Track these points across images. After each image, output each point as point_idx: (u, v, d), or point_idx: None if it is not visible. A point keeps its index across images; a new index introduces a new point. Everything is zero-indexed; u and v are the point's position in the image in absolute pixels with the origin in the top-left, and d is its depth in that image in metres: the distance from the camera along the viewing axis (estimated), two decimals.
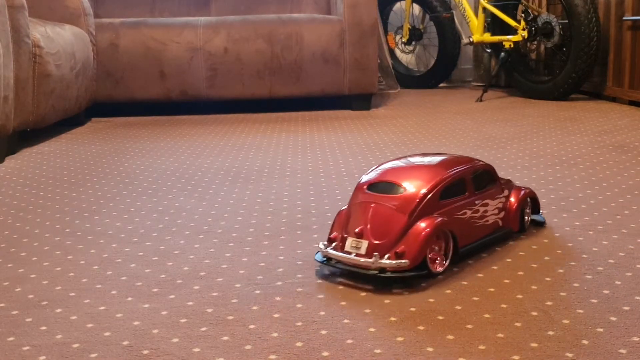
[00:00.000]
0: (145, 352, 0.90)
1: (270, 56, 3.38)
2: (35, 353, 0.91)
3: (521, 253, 1.26)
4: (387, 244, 1.11)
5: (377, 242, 1.12)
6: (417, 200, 1.14)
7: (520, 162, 2.07)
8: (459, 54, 4.45)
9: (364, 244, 1.12)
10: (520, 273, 1.16)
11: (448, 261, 1.16)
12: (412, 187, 1.16)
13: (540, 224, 1.42)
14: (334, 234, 1.18)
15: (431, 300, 1.05)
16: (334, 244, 1.16)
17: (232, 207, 1.64)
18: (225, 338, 0.94)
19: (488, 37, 3.78)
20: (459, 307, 1.02)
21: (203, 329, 0.97)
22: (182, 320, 1.00)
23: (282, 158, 2.24)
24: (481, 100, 3.71)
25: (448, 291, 1.09)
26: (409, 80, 4.58)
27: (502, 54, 3.70)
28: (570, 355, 0.86)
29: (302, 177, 1.94)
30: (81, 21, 3.16)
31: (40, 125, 2.61)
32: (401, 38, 4.54)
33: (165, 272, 1.21)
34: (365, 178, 1.22)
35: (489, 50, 3.96)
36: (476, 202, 1.23)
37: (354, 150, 2.33)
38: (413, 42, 4.55)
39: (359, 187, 1.20)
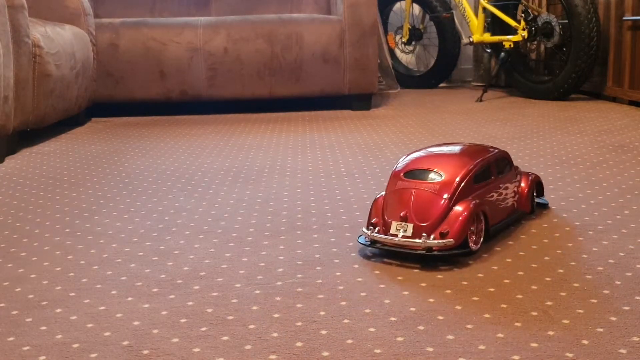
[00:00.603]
0: (145, 352, 0.91)
1: (270, 56, 3.38)
2: (35, 353, 0.91)
3: (521, 253, 1.26)
4: (430, 225, 1.21)
5: (422, 224, 1.21)
6: (455, 185, 1.24)
7: (520, 162, 2.07)
8: (459, 54, 4.45)
9: (410, 226, 1.22)
10: (520, 273, 1.16)
11: (482, 239, 1.25)
12: (449, 173, 1.26)
13: (544, 206, 1.54)
14: (375, 219, 1.26)
15: (431, 300, 1.05)
16: (377, 229, 1.24)
17: (232, 207, 1.64)
18: (225, 338, 0.94)
19: (488, 37, 3.78)
20: (459, 307, 1.02)
21: (203, 329, 0.97)
22: (182, 320, 1.00)
23: (282, 158, 2.24)
24: (481, 100, 3.71)
25: (448, 291, 1.09)
26: (409, 80, 4.58)
27: (502, 54, 3.70)
28: (570, 355, 0.86)
29: (302, 177, 1.94)
30: (81, 21, 3.16)
31: (40, 125, 2.61)
32: (401, 38, 4.54)
33: (165, 272, 1.21)
34: (399, 166, 1.31)
35: (489, 50, 3.96)
36: (500, 185, 1.35)
37: (354, 150, 2.33)
38: (413, 42, 4.55)
39: (395, 175, 1.29)
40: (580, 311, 0.99)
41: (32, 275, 1.21)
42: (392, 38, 4.38)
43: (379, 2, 4.44)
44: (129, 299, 1.09)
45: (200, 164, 2.18)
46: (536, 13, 3.62)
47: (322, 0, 3.93)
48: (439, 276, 1.15)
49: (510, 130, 2.66)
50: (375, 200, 1.30)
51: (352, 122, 3.05)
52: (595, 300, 1.03)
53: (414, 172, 1.28)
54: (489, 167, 1.32)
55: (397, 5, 4.69)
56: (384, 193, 1.30)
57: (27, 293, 1.13)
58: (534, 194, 1.50)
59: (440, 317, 0.99)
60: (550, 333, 0.93)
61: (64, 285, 1.16)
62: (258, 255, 1.29)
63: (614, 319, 0.97)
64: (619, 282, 1.10)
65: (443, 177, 1.25)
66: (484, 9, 3.78)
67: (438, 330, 0.95)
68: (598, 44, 3.38)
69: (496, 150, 1.38)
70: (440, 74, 4.50)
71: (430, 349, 0.89)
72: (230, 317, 1.01)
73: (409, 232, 1.22)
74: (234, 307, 1.05)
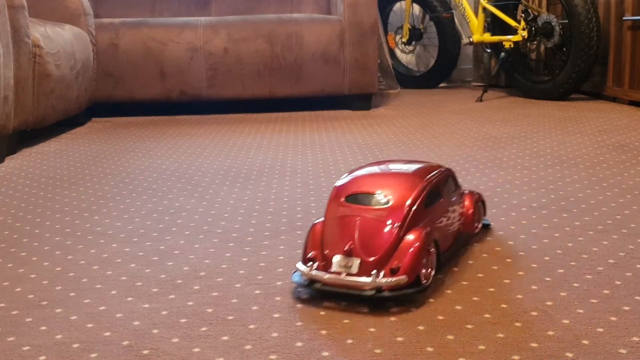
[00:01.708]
0: (145, 352, 0.91)
1: (270, 56, 3.38)
2: (35, 353, 0.91)
3: (521, 253, 1.26)
4: (380, 260, 1.03)
5: (369, 258, 1.03)
6: (406, 210, 1.07)
7: (520, 162, 2.07)
8: (459, 54, 4.45)
9: (356, 261, 1.03)
10: (520, 273, 1.16)
11: (434, 271, 1.09)
12: (397, 196, 1.09)
13: (487, 227, 1.41)
14: (312, 252, 1.08)
15: (431, 300, 1.05)
16: (315, 264, 1.06)
17: (232, 207, 1.64)
18: (225, 338, 0.94)
19: (488, 37, 3.78)
20: (459, 307, 1.02)
21: (203, 329, 0.97)
22: (182, 320, 1.00)
23: (282, 158, 2.24)
24: (481, 100, 3.71)
25: (448, 291, 1.09)
26: (409, 80, 4.58)
27: (502, 54, 3.70)
28: (570, 355, 0.86)
29: (302, 177, 1.94)
30: (81, 21, 3.16)
31: (40, 125, 2.61)
32: (401, 38, 4.54)
33: (165, 272, 1.21)
34: (339, 189, 1.13)
35: (489, 50, 3.96)
36: (449, 208, 1.20)
37: (354, 150, 2.33)
38: (413, 42, 4.55)
39: (335, 199, 1.11)
40: (580, 311, 0.99)
41: (32, 275, 1.21)
42: (392, 38, 4.38)
43: (379, 2, 4.44)
44: (129, 299, 1.09)
45: (200, 164, 2.18)
46: (536, 13, 3.62)
47: (322, 0, 3.93)
48: (439, 276, 1.15)
49: (510, 130, 2.66)
50: (312, 228, 1.10)
51: (352, 122, 3.05)
52: (595, 300, 1.03)
53: (356, 196, 1.10)
54: (438, 188, 1.16)
55: (397, 5, 4.69)
56: (321, 219, 1.12)
57: (27, 293, 1.13)
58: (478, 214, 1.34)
59: (440, 317, 0.99)
60: (550, 333, 0.93)
61: (64, 285, 1.16)
62: (258, 255, 1.29)
63: (614, 319, 0.97)
64: (619, 282, 1.10)
65: (391, 202, 1.08)
66: (484, 9, 3.78)
67: (438, 330, 0.95)
68: (598, 44, 3.38)
69: (443, 169, 1.22)
70: (440, 74, 4.50)
71: (430, 349, 0.89)
72: (230, 317, 1.01)
73: (355, 269, 1.03)
74: (234, 307, 1.05)
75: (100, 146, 2.56)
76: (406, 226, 1.06)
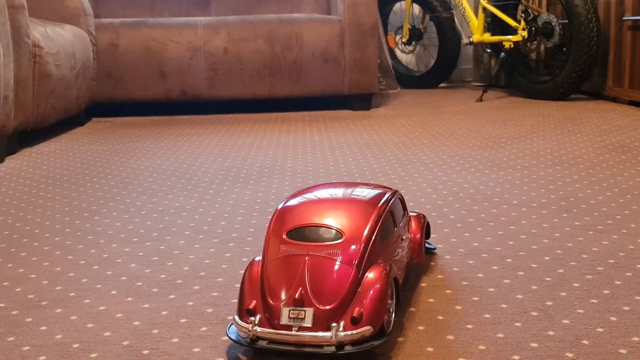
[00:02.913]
0: (145, 352, 0.91)
1: (270, 56, 3.38)
2: (35, 353, 0.91)
3: (521, 253, 1.26)
4: (337, 308, 0.85)
5: (325, 307, 0.85)
6: (363, 245, 0.90)
7: (520, 162, 2.07)
8: (459, 54, 4.45)
9: (309, 312, 0.85)
10: (521, 273, 1.16)
11: (394, 314, 0.92)
12: (350, 228, 0.92)
13: (431, 252, 1.26)
14: (253, 302, 0.88)
15: (431, 300, 1.05)
16: (257, 318, 0.86)
17: (232, 207, 1.64)
18: (225, 338, 0.94)
19: (488, 37, 3.78)
20: (459, 307, 1.02)
21: (203, 329, 0.97)
22: (182, 320, 1.00)
23: (282, 158, 2.24)
24: (481, 100, 3.71)
25: (448, 291, 1.09)
26: (409, 80, 4.58)
27: (502, 54, 3.70)
28: (570, 355, 0.86)
29: (302, 177, 1.94)
30: (81, 21, 3.16)
31: (40, 125, 2.61)
32: (401, 38, 4.54)
33: (165, 272, 1.21)
34: (279, 222, 0.95)
35: (489, 50, 3.96)
36: (402, 237, 1.04)
37: (354, 150, 2.33)
38: (413, 42, 4.55)
39: (275, 235, 0.93)
40: (580, 311, 0.99)
41: (32, 275, 1.21)
42: (392, 38, 4.38)
43: (379, 2, 4.44)
44: (129, 299, 1.09)
45: (200, 164, 2.18)
46: (536, 13, 3.62)
47: (322, 0, 3.93)
48: (439, 276, 1.15)
49: (510, 130, 2.66)
50: (249, 270, 0.92)
51: (352, 122, 3.05)
52: (595, 300, 1.03)
53: (301, 231, 0.92)
54: (392, 216, 1.00)
55: (397, 5, 4.69)
56: (258, 258, 0.94)
57: (27, 293, 1.13)
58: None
59: (440, 317, 0.99)
60: (550, 333, 0.93)
61: (64, 285, 1.16)
62: (258, 255, 1.29)
63: (614, 319, 0.97)
64: (619, 282, 1.10)
65: (344, 235, 0.91)
66: (484, 9, 3.78)
67: (438, 330, 0.95)
68: (598, 44, 3.38)
69: (390, 192, 1.04)
70: (440, 74, 4.50)
71: (430, 349, 0.89)
72: (231, 317, 1.01)
73: (308, 322, 0.85)
74: (233, 307, 1.05)
75: (100, 146, 2.56)
76: (364, 264, 0.89)
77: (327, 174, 1.98)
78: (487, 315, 0.99)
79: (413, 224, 1.14)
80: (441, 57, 4.43)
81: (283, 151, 2.36)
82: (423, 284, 1.12)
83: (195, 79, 3.38)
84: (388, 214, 0.98)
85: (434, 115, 3.17)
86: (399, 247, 1.01)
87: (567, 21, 3.44)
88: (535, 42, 3.85)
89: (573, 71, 3.43)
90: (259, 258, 0.94)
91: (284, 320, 0.85)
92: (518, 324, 0.96)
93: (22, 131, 2.56)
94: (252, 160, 2.22)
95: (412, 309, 1.02)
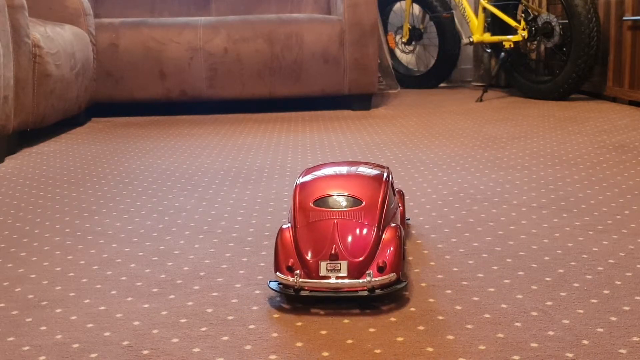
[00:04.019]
0: (145, 352, 0.91)
1: (270, 56, 3.38)
2: (35, 353, 0.91)
3: (521, 253, 1.26)
4: (365, 260, 1.03)
5: (356, 259, 1.03)
6: (379, 210, 1.08)
7: (520, 162, 2.07)
8: (459, 54, 4.45)
9: (343, 264, 1.02)
10: (521, 273, 1.16)
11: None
12: (367, 197, 1.10)
13: (407, 222, 1.46)
14: (290, 261, 1.04)
15: (431, 300, 1.05)
16: (297, 272, 1.03)
17: (232, 207, 1.64)
18: (225, 338, 0.94)
19: (488, 37, 3.78)
20: (459, 307, 1.02)
21: (203, 329, 0.97)
22: (182, 320, 1.00)
23: (282, 158, 2.24)
24: (481, 100, 3.71)
25: (448, 291, 1.09)
26: (409, 80, 4.58)
27: (502, 54, 3.70)
28: (570, 355, 0.86)
29: None
30: (81, 21, 3.16)
31: (40, 125, 2.61)
32: (401, 38, 4.54)
33: (165, 272, 1.21)
34: (303, 194, 1.12)
35: (489, 50, 3.96)
36: (399, 205, 1.24)
37: (354, 150, 2.33)
38: (413, 42, 4.55)
39: (303, 206, 1.10)
40: (580, 311, 0.99)
41: (32, 275, 1.21)
42: (392, 38, 4.38)
43: (379, 2, 4.44)
44: (129, 299, 1.09)
45: (200, 164, 2.18)
46: (536, 13, 3.62)
47: (322, 0, 3.93)
48: (439, 276, 1.15)
49: (510, 130, 2.66)
50: (281, 236, 1.08)
51: (352, 122, 3.05)
52: (595, 300, 1.03)
53: (326, 200, 1.09)
54: (392, 188, 1.18)
55: (397, 5, 4.69)
56: (287, 226, 1.09)
57: (27, 293, 1.13)
58: None
59: (440, 317, 0.99)
60: (550, 333, 0.93)
61: (63, 285, 1.16)
62: (258, 255, 1.29)
63: (614, 319, 0.97)
64: (619, 282, 1.10)
65: (363, 203, 1.09)
66: (484, 9, 3.78)
67: (438, 330, 0.95)
68: (598, 44, 3.38)
69: (386, 169, 1.21)
70: (440, 74, 4.50)
71: (430, 349, 0.89)
72: (230, 317, 1.01)
73: (344, 272, 1.02)
74: (234, 307, 1.05)
75: (100, 146, 2.56)
76: (382, 225, 1.07)
77: None
78: (487, 315, 0.99)
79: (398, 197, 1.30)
80: (441, 57, 4.43)
81: (283, 151, 2.36)
82: (423, 284, 1.12)
83: (195, 79, 3.38)
84: (390, 186, 1.16)
85: (434, 115, 3.17)
86: (397, 213, 1.19)
87: (567, 21, 3.44)
88: (535, 42, 3.85)
89: (573, 71, 3.43)
90: (286, 226, 1.09)
91: (323, 272, 1.02)
92: (518, 324, 0.96)
93: (22, 131, 2.56)
94: (252, 160, 2.22)
95: (412, 309, 1.02)
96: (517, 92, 3.98)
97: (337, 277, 1.02)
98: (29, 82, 2.49)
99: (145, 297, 1.10)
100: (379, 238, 1.05)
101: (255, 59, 3.38)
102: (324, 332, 0.95)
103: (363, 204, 1.08)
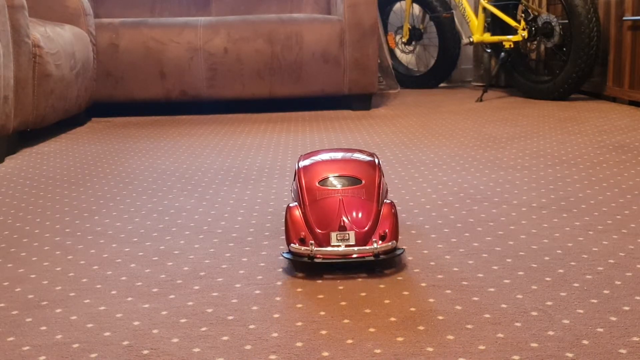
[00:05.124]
0: (145, 352, 0.91)
1: (270, 56, 3.38)
2: (35, 353, 0.91)
3: (521, 253, 1.26)
4: (369, 230, 1.18)
5: (362, 230, 1.17)
6: (377, 187, 1.24)
7: (520, 162, 2.07)
8: (459, 54, 4.45)
9: (351, 234, 1.17)
10: (520, 273, 1.16)
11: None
12: (365, 177, 1.25)
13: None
14: (302, 234, 1.18)
15: (431, 300, 1.05)
16: (311, 242, 1.16)
17: (232, 207, 1.64)
18: (225, 338, 0.94)
19: (488, 37, 3.78)
20: (459, 307, 1.02)
21: (203, 329, 0.97)
22: (182, 320, 1.00)
23: (282, 158, 2.24)
24: (481, 100, 3.71)
25: (448, 291, 1.09)
26: (409, 80, 4.58)
27: (502, 54, 3.70)
28: (570, 355, 0.86)
29: None
30: (81, 21, 3.16)
31: (40, 125, 2.61)
32: (401, 38, 4.54)
33: (165, 272, 1.21)
34: (308, 176, 1.26)
35: (489, 50, 3.96)
36: (385, 183, 1.35)
37: None
38: (413, 42, 4.55)
39: (309, 186, 1.23)
40: (580, 311, 0.99)
41: (32, 275, 1.21)
42: (392, 38, 4.38)
43: (379, 2, 4.44)
44: (129, 299, 1.09)
45: (200, 164, 2.18)
46: (536, 13, 3.62)
47: (322, 0, 3.93)
48: (439, 276, 1.15)
49: (510, 130, 2.66)
50: (290, 213, 1.20)
51: (352, 122, 3.05)
52: (595, 300, 1.03)
53: (329, 180, 1.24)
54: (381, 170, 1.32)
55: (397, 5, 4.69)
56: (294, 204, 1.22)
57: (27, 293, 1.13)
58: None
59: (440, 317, 0.99)
60: (550, 333, 0.93)
61: (64, 285, 1.16)
62: (258, 255, 1.29)
63: (614, 319, 0.97)
64: (619, 282, 1.10)
65: (363, 182, 1.23)
66: (484, 9, 3.78)
67: (438, 330, 0.95)
68: (598, 44, 3.38)
69: (375, 155, 1.35)
70: (440, 74, 4.50)
71: (430, 349, 0.89)
72: (230, 317, 1.01)
73: (352, 241, 1.16)
74: (234, 307, 1.05)
75: (100, 146, 2.56)
76: (380, 201, 1.22)
77: None
78: (487, 315, 0.99)
79: None
80: (441, 57, 4.43)
81: (283, 151, 2.36)
82: (423, 284, 1.12)
83: (195, 79, 3.38)
84: (381, 169, 1.30)
85: (434, 115, 3.17)
86: (384, 189, 1.30)
87: (567, 21, 3.44)
88: (535, 42, 3.85)
89: (573, 71, 3.43)
90: (293, 204, 1.22)
91: (333, 241, 1.16)
92: (518, 324, 0.96)
93: (22, 131, 2.56)
94: (252, 160, 2.22)
95: (412, 309, 1.02)
96: (517, 92, 3.98)
97: (347, 246, 1.15)
98: (29, 82, 2.49)
99: (146, 297, 1.10)
100: (378, 212, 1.20)
101: (255, 59, 3.38)
102: (324, 332, 0.95)
103: (363, 182, 1.23)
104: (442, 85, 4.70)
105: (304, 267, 1.19)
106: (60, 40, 2.74)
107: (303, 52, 3.39)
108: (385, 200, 1.24)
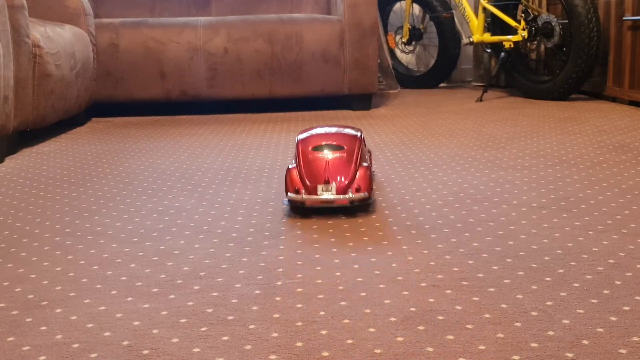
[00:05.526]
0: (145, 352, 0.91)
1: (270, 56, 3.38)
2: (35, 353, 0.91)
3: (521, 253, 1.26)
4: (347, 184, 1.53)
5: (341, 184, 1.53)
6: (356, 153, 1.59)
7: (520, 162, 2.07)
8: (459, 54, 4.45)
9: (333, 186, 1.53)
10: (520, 273, 1.16)
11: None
12: (348, 145, 1.60)
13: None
14: (297, 186, 1.54)
15: (431, 300, 1.05)
16: (303, 192, 1.53)
17: (232, 207, 1.64)
18: (225, 338, 0.94)
19: (488, 37, 3.78)
20: (459, 307, 1.02)
21: (203, 329, 0.97)
22: (182, 320, 1.00)
23: (282, 158, 2.24)
24: (481, 100, 3.71)
25: (448, 291, 1.09)
26: (409, 80, 4.58)
27: (502, 54, 3.70)
28: (570, 355, 0.86)
29: None
30: (81, 21, 3.16)
31: (40, 125, 2.61)
32: (401, 38, 4.54)
33: (165, 272, 1.21)
34: (304, 144, 1.61)
35: (489, 50, 3.96)
36: (369, 152, 1.76)
37: None
38: (413, 42, 4.55)
39: (304, 151, 1.59)
40: (580, 311, 0.99)
41: (32, 275, 1.21)
42: (392, 38, 4.38)
43: (379, 2, 4.44)
44: (129, 299, 1.09)
45: (200, 164, 2.18)
46: (536, 13, 3.62)
47: (322, 0, 3.93)
48: (439, 276, 1.15)
49: (510, 130, 2.66)
50: (289, 172, 1.57)
51: (352, 122, 3.05)
52: (595, 300, 1.03)
53: (321, 147, 1.59)
54: (364, 141, 1.67)
55: (397, 5, 4.69)
56: (292, 166, 1.58)
57: (27, 293, 1.13)
58: None
59: (440, 317, 0.99)
60: (550, 333, 0.93)
61: (64, 285, 1.16)
62: (258, 255, 1.29)
63: (614, 319, 0.97)
64: (619, 282, 1.10)
65: (345, 148, 1.58)
66: (484, 9, 3.78)
67: (438, 330, 0.95)
68: (598, 44, 3.38)
69: (360, 130, 1.71)
70: (440, 74, 4.50)
71: (430, 349, 0.89)
72: (230, 317, 1.01)
73: (333, 191, 1.52)
74: (234, 307, 1.05)
75: (100, 146, 2.56)
76: (358, 163, 1.57)
77: None
78: (487, 315, 0.99)
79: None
80: (441, 57, 4.43)
81: (283, 151, 2.36)
82: (423, 284, 1.12)
83: (195, 79, 3.38)
84: (362, 141, 1.66)
85: (434, 115, 3.17)
86: (367, 157, 1.70)
87: (567, 21, 3.44)
88: (535, 42, 3.85)
89: (573, 71, 3.43)
90: (291, 166, 1.58)
91: (320, 192, 1.53)
92: (518, 324, 0.96)
93: (22, 131, 2.56)
94: (252, 160, 2.22)
95: (412, 309, 1.02)
96: (517, 92, 3.98)
97: (330, 195, 1.52)
98: (29, 82, 2.49)
99: (146, 297, 1.10)
100: (355, 171, 1.55)
101: (255, 59, 3.38)
102: (324, 332, 0.95)
103: (345, 149, 1.58)
104: (442, 85, 4.70)
105: (298, 211, 1.58)
106: (60, 40, 2.74)
107: (303, 52, 3.39)
108: (363, 164, 1.57)
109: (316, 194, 1.52)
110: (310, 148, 1.59)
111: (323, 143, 1.60)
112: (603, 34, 3.48)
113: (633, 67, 3.24)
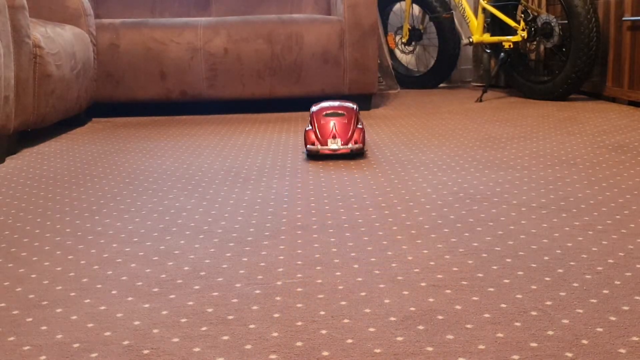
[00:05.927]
0: (146, 351, 0.91)
1: (270, 56, 3.39)
2: (35, 353, 0.91)
3: (521, 253, 1.26)
4: (348, 139, 2.18)
5: (344, 139, 2.18)
6: (354, 118, 2.22)
7: (520, 162, 2.07)
8: (458, 54, 4.45)
9: (339, 140, 2.17)
10: (520, 273, 1.16)
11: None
12: (348, 113, 2.23)
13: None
14: (312, 140, 2.18)
15: (431, 300, 1.05)
16: (317, 145, 2.17)
17: (232, 207, 1.64)
18: (225, 338, 0.94)
19: (488, 38, 3.78)
20: (459, 307, 1.02)
21: (203, 328, 0.97)
22: (182, 320, 1.00)
23: (282, 158, 2.24)
24: (481, 101, 3.71)
25: (448, 291, 1.09)
26: (408, 80, 4.58)
27: (502, 54, 3.70)
28: (570, 355, 0.86)
29: (302, 177, 1.95)
30: (81, 21, 3.16)
31: (40, 125, 2.62)
32: (401, 38, 4.54)
33: (165, 272, 1.21)
34: (317, 112, 2.24)
35: (488, 51, 3.96)
36: (360, 120, 2.31)
37: None
38: (413, 43, 4.55)
39: (317, 116, 2.22)
40: (580, 311, 1.00)
41: (33, 275, 1.21)
42: (392, 38, 4.38)
43: (379, 2, 4.44)
44: (130, 298, 1.09)
45: (201, 164, 2.18)
46: (536, 13, 3.62)
47: (322, 0, 3.93)
48: (439, 276, 1.15)
49: (510, 130, 2.66)
50: (306, 132, 2.20)
51: None
52: (595, 300, 1.03)
53: (330, 113, 2.21)
54: (358, 111, 2.31)
55: (397, 5, 4.69)
56: (309, 128, 2.21)
57: (28, 293, 1.13)
58: None
59: (440, 317, 0.99)
60: (550, 333, 0.93)
61: (64, 285, 1.16)
62: (258, 255, 1.29)
63: (613, 319, 0.97)
64: (618, 282, 1.10)
65: (346, 114, 2.21)
66: (484, 9, 3.78)
67: (438, 330, 0.95)
68: (598, 44, 3.38)
69: (356, 104, 2.40)
70: (440, 74, 4.51)
71: (430, 349, 0.89)
72: (231, 317, 1.01)
73: (339, 144, 2.16)
74: (234, 307, 1.05)
75: (101, 146, 2.56)
76: (355, 124, 2.21)
77: (327, 173, 1.98)
78: (487, 315, 0.99)
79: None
80: (441, 58, 4.43)
81: (283, 151, 2.36)
82: (423, 284, 1.12)
83: (195, 79, 3.38)
84: (357, 110, 2.29)
85: (434, 115, 3.17)
86: (360, 121, 2.29)
87: (566, 21, 3.45)
88: (535, 43, 3.85)
89: (572, 71, 3.43)
90: (308, 128, 2.23)
91: (329, 144, 2.17)
92: (518, 324, 0.96)
93: (22, 131, 2.56)
94: (252, 160, 2.22)
95: (412, 308, 1.02)
96: (516, 92, 3.98)
97: (336, 145, 2.17)
98: (30, 82, 2.49)
99: (146, 296, 1.10)
100: (353, 131, 2.19)
101: (255, 59, 3.38)
102: (324, 332, 0.95)
103: (345, 115, 2.21)
104: (441, 85, 4.70)
105: (313, 157, 2.23)
106: (60, 40, 2.74)
107: (303, 52, 3.39)
108: (358, 125, 2.20)
109: (327, 145, 2.15)
110: (322, 114, 2.21)
111: (330, 111, 2.21)
112: (602, 34, 3.48)
113: (632, 68, 3.25)
